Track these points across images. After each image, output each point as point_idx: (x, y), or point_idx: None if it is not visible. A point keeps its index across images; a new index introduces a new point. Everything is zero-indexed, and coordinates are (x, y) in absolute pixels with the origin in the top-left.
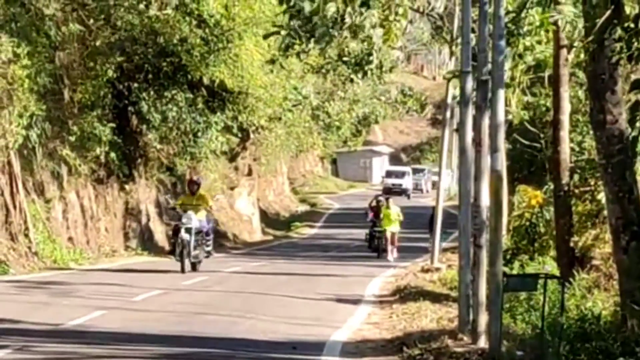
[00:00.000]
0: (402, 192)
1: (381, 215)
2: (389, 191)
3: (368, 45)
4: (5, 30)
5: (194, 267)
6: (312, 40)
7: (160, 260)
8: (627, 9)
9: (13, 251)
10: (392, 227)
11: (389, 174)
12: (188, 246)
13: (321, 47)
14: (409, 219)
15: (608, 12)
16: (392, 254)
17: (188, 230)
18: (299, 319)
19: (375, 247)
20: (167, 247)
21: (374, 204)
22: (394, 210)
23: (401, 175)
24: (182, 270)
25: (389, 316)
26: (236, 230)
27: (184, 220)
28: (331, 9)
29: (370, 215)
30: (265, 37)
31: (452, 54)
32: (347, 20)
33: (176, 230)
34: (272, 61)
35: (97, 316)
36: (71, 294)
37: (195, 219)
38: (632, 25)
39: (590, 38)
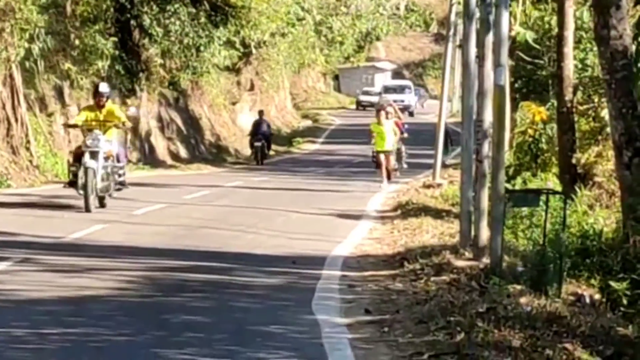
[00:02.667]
0: (404, 109)
1: (373, 134)
2: None
3: None
4: None
5: (101, 202)
6: None
7: (161, 174)
8: None
9: (14, 164)
10: (386, 146)
11: (387, 89)
12: (94, 176)
13: None
14: (412, 135)
15: None
16: (387, 180)
17: (94, 155)
18: (301, 234)
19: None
20: (168, 162)
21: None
22: (387, 126)
23: (401, 90)
24: (87, 209)
25: (390, 231)
26: (238, 145)
27: (88, 142)
28: None
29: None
30: None
31: None
32: None
33: (78, 156)
34: None
35: (97, 229)
36: (72, 208)
37: (104, 140)
38: None
39: None
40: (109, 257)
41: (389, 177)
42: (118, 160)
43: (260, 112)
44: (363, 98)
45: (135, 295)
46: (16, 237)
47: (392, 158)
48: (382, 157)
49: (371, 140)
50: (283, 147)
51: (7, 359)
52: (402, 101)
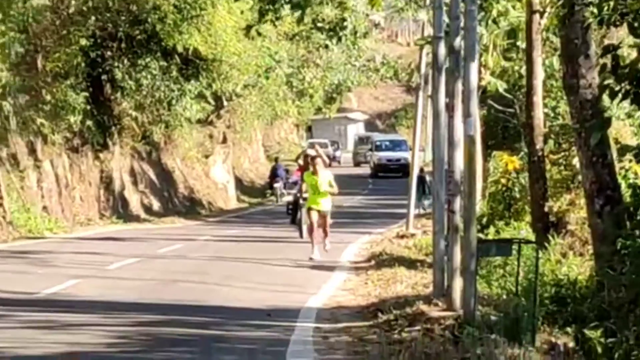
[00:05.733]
0: (401, 170)
1: (303, 186)
2: (383, 170)
3: (342, 12)
4: None
5: None
6: (289, 5)
7: (135, 228)
8: None
9: None
10: (322, 205)
11: (378, 147)
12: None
13: (297, 12)
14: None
15: None
16: (320, 246)
17: None
18: (275, 286)
19: (300, 222)
20: (142, 215)
21: (301, 160)
22: (323, 177)
23: (398, 146)
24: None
25: (364, 282)
26: (211, 198)
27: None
28: None
29: (296, 175)
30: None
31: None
32: None
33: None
34: (247, 28)
35: (72, 285)
36: (46, 263)
37: None
38: None
39: (561, 2)
40: (84, 312)
41: (318, 242)
42: None
43: (276, 159)
44: (381, 155)
45: (111, 350)
46: None
47: (329, 220)
48: (314, 216)
49: (287, 180)
50: (256, 198)
51: None
52: (399, 160)
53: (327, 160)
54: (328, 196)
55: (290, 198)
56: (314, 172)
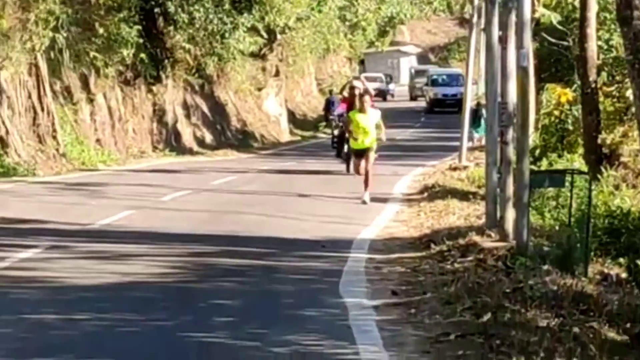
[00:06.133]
0: (457, 105)
1: (350, 125)
2: (438, 105)
3: None
4: None
5: None
6: None
7: (188, 160)
8: None
9: (41, 153)
10: (367, 145)
11: (434, 81)
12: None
13: None
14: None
15: None
16: (366, 189)
17: None
18: (328, 218)
19: (346, 156)
20: (194, 148)
21: (346, 92)
22: (371, 116)
23: (455, 80)
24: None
25: (416, 214)
26: (264, 131)
27: None
28: None
29: (342, 107)
30: None
31: None
32: None
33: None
34: None
35: (125, 216)
36: (100, 195)
37: None
38: None
39: None
40: (138, 243)
41: (366, 184)
42: None
43: (331, 92)
44: (437, 91)
45: (165, 280)
46: (44, 224)
47: (372, 156)
48: (360, 159)
49: (333, 110)
50: (309, 132)
51: (37, 345)
52: (455, 96)
53: (373, 93)
54: (374, 136)
55: (336, 132)
56: (362, 110)
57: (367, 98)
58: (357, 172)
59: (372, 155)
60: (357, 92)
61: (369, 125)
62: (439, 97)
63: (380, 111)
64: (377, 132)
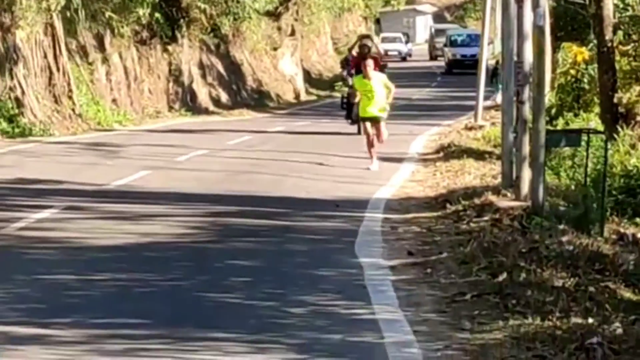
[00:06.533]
0: (476, 65)
1: (356, 92)
2: (457, 66)
3: None
4: None
5: None
6: None
7: (204, 120)
8: None
9: (57, 113)
10: (376, 112)
11: (453, 42)
12: None
13: None
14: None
15: None
16: (374, 158)
17: None
18: (343, 177)
19: (356, 117)
20: (210, 108)
21: (355, 51)
22: (376, 80)
23: (474, 40)
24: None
25: (432, 174)
26: (280, 91)
27: None
28: None
29: (351, 67)
30: None
31: None
32: None
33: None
34: None
35: (141, 176)
36: (115, 155)
37: None
38: None
39: None
40: (153, 203)
41: (376, 153)
42: None
43: (350, 50)
44: (456, 52)
45: (181, 240)
46: (60, 184)
47: (384, 126)
48: (368, 126)
49: (344, 72)
50: (325, 91)
51: (54, 306)
52: (474, 56)
53: (381, 54)
54: (382, 102)
55: (345, 92)
56: (365, 76)
57: (368, 62)
58: (367, 136)
59: (383, 125)
60: (366, 50)
61: (374, 91)
62: (458, 58)
63: (386, 74)
64: (386, 92)
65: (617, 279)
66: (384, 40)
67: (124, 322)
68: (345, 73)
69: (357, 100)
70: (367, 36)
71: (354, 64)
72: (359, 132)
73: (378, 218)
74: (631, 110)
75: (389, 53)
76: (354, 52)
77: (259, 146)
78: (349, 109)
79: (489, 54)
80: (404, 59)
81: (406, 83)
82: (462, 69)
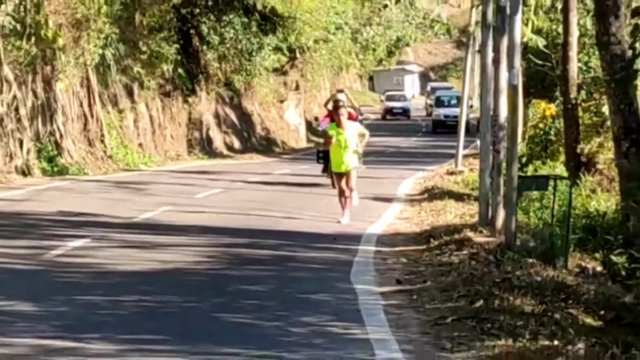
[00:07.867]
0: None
1: (332, 138)
2: (441, 127)
3: None
4: None
5: None
6: None
7: (218, 163)
8: None
9: (90, 155)
10: (348, 164)
11: (440, 102)
12: None
13: None
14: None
15: None
16: (346, 207)
17: None
18: (340, 215)
19: (330, 172)
20: (224, 152)
21: (330, 106)
22: (350, 130)
23: (458, 100)
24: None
25: (418, 212)
26: (285, 138)
27: None
28: None
29: (324, 122)
30: None
31: None
32: None
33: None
34: None
35: (163, 211)
36: (141, 192)
37: None
38: None
39: None
40: (176, 234)
41: (343, 204)
42: None
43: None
44: (391, 105)
45: (199, 267)
46: (93, 217)
47: (354, 175)
48: (342, 181)
49: (319, 127)
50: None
51: (86, 322)
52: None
53: (357, 108)
54: (354, 151)
55: (321, 147)
56: (339, 125)
57: (342, 111)
58: (340, 190)
59: (354, 175)
60: (340, 104)
61: (348, 139)
62: (441, 119)
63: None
64: (359, 140)
65: (579, 307)
66: (389, 98)
67: (148, 338)
68: (320, 128)
69: (330, 145)
70: (341, 91)
71: (331, 117)
72: (334, 186)
73: (371, 250)
74: (592, 159)
75: (394, 111)
76: (329, 107)
77: (267, 186)
78: (325, 163)
79: (468, 110)
80: (408, 117)
81: (394, 133)
82: (444, 128)
